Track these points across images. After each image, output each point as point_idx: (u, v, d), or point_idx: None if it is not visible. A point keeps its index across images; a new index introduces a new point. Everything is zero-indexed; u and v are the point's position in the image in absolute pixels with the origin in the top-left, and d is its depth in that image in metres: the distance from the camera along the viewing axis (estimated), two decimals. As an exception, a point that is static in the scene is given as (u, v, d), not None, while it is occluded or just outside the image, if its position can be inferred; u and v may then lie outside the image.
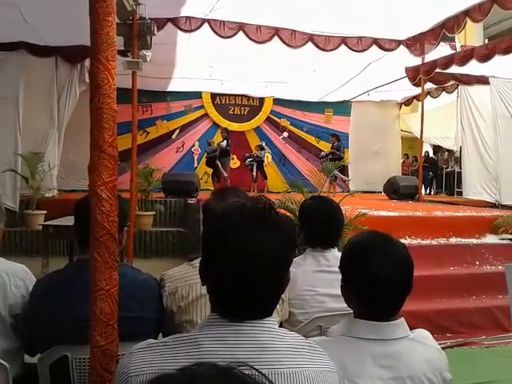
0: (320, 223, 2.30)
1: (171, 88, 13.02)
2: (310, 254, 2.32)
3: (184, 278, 1.89)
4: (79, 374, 1.73)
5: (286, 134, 14.45)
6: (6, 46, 8.41)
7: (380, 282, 1.38)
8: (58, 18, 6.92)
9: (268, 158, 14.58)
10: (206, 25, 8.24)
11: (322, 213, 2.35)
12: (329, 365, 1.09)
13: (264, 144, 14.40)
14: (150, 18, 6.09)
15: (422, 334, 1.48)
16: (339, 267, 1.53)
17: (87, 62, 9.33)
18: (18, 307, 1.93)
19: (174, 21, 7.97)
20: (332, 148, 12.75)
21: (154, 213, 8.71)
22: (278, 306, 1.64)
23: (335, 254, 2.29)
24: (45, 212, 8.05)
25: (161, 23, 7.46)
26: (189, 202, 9.18)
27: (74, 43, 8.47)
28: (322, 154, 12.74)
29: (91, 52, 1.23)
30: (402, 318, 1.43)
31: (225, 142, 12.17)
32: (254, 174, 13.00)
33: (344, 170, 12.02)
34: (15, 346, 1.95)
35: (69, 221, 5.08)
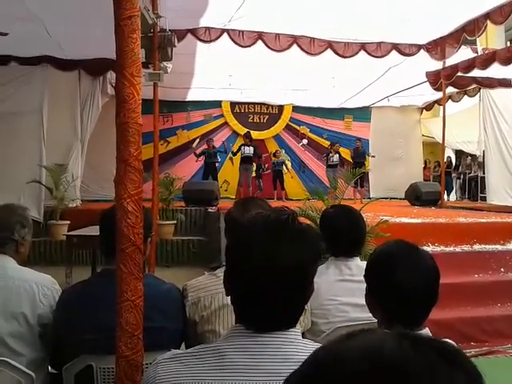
0: (342, 232, 2.27)
1: (191, 97, 13.13)
2: (332, 263, 2.30)
3: (207, 288, 1.90)
4: (104, 384, 1.75)
5: (305, 141, 14.43)
6: (30, 60, 8.62)
7: (405, 292, 1.38)
8: (79, 32, 7.08)
9: (288, 165, 14.58)
10: (225, 35, 8.32)
11: (343, 222, 2.32)
12: None
13: (283, 152, 14.40)
14: (170, 30, 6.18)
15: None
16: (364, 276, 1.53)
17: (109, 74, 9.51)
18: (47, 317, 1.97)
19: (194, 32, 8.07)
20: (354, 152, 12.77)
21: (175, 222, 8.77)
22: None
23: (358, 263, 2.28)
24: (68, 222, 8.17)
25: (181, 34, 7.56)
26: (209, 210, 9.22)
27: (95, 56, 8.66)
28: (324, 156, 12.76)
29: (117, 68, 1.26)
30: (427, 328, 1.42)
31: (251, 148, 12.11)
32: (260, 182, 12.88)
33: (363, 177, 11.97)
34: (41, 356, 1.98)
35: (92, 231, 5.15)
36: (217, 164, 12.49)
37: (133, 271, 1.29)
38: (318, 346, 1.10)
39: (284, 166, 13.30)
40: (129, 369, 1.32)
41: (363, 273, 2.15)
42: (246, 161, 12.24)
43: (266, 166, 13.36)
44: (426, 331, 1.41)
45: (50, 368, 2.04)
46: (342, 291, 2.20)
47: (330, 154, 12.56)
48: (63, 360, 1.79)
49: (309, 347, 1.07)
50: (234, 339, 1.03)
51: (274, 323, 1.03)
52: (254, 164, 12.81)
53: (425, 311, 1.42)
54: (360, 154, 12.81)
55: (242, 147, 12.23)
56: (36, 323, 1.96)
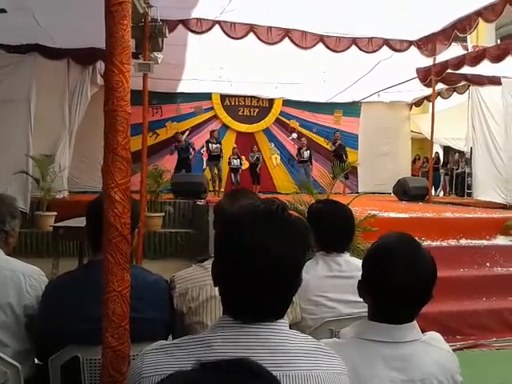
0: (331, 228, 2.22)
1: (181, 89, 13.07)
2: (321, 259, 2.27)
3: (194, 280, 1.90)
4: (90, 375, 1.73)
5: (295, 135, 14.45)
6: (18, 48, 8.51)
7: (398, 289, 1.37)
8: (69, 21, 6.99)
9: (277, 159, 14.59)
10: (217, 26, 8.27)
11: (332, 216, 2.27)
12: (340, 367, 1.09)
13: (273, 145, 14.43)
14: (161, 20, 6.12)
15: (434, 336, 1.48)
16: (362, 264, 1.51)
17: (99, 64, 9.40)
18: (33, 308, 1.95)
19: (185, 23, 8.01)
20: (334, 145, 12.89)
21: (163, 214, 8.75)
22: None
23: (347, 259, 2.27)
24: (55, 213, 8.11)
25: (172, 25, 7.50)
26: (198, 203, 9.20)
27: (84, 45, 8.55)
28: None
29: (106, 55, 1.24)
30: (414, 321, 1.43)
31: (217, 145, 12.14)
32: (233, 178, 12.86)
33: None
34: (27, 347, 1.96)
35: (79, 222, 5.12)
36: (190, 157, 12.37)
37: (119, 261, 1.27)
38: (305, 337, 1.11)
39: (259, 160, 13.37)
40: (115, 360, 1.31)
41: (353, 268, 2.15)
42: (213, 158, 12.22)
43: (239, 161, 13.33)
44: (413, 324, 1.41)
45: (35, 359, 2.02)
46: (331, 287, 2.18)
47: (302, 150, 12.65)
48: (49, 351, 1.77)
49: (297, 338, 1.06)
50: (222, 330, 1.03)
51: (262, 314, 1.03)
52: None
53: (418, 307, 1.42)
54: (338, 146, 12.88)
55: (210, 145, 12.17)
56: (22, 314, 1.94)
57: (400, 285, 1.36)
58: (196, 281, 1.89)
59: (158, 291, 1.89)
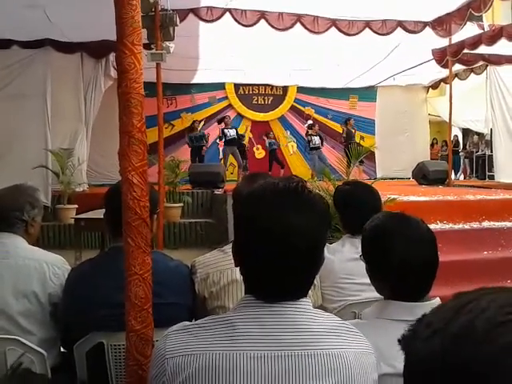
0: (360, 209, 2.18)
1: (195, 80, 13.04)
2: (348, 240, 2.25)
3: (215, 264, 1.90)
4: (115, 361, 1.74)
5: (310, 122, 14.34)
6: (32, 43, 8.55)
7: (408, 263, 1.37)
8: (80, 15, 7.00)
9: (293, 146, 14.50)
10: (228, 14, 8.20)
11: (361, 197, 2.27)
12: (366, 347, 1.08)
13: (289, 133, 14.36)
14: (171, 9, 6.10)
15: None
16: (362, 254, 1.52)
17: (112, 57, 9.43)
18: (57, 296, 1.97)
19: (196, 11, 7.96)
20: (344, 132, 12.73)
21: (181, 204, 8.78)
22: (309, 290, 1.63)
23: None
24: (76, 206, 8.20)
25: (182, 14, 7.46)
26: (215, 192, 9.21)
27: (97, 38, 8.58)
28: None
29: (117, 37, 1.23)
30: (438, 298, 1.41)
31: (233, 130, 12.11)
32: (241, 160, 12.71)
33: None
34: (52, 335, 1.99)
35: (99, 214, 5.15)
36: (204, 148, 12.33)
37: (140, 245, 1.27)
38: (329, 316, 1.09)
39: (276, 146, 13.36)
40: (139, 343, 1.31)
41: None
42: (230, 143, 12.15)
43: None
44: (436, 301, 1.39)
45: (61, 348, 2.04)
46: (357, 270, 2.12)
47: (312, 137, 12.52)
48: (74, 339, 1.79)
49: (322, 317, 1.05)
50: (245, 309, 1.02)
51: (284, 293, 1.01)
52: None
53: (431, 277, 1.41)
54: (349, 133, 12.66)
55: (226, 131, 12.13)
56: (47, 302, 1.96)
57: (407, 256, 1.37)
58: (217, 265, 1.89)
59: (179, 276, 1.90)
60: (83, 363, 1.76)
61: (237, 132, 12.38)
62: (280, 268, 0.99)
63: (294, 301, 1.02)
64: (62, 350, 2.05)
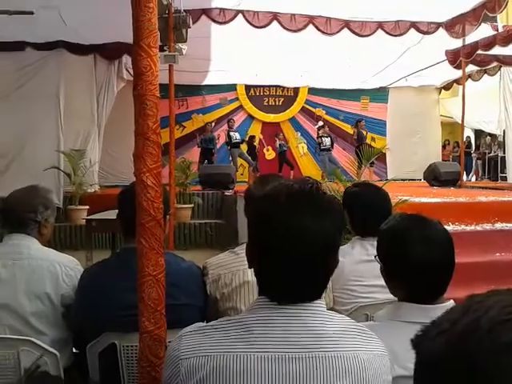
0: (369, 211, 2.17)
1: (206, 81, 13.07)
2: (357, 243, 2.24)
3: (227, 266, 1.90)
4: (128, 362, 1.74)
5: (321, 124, 14.30)
6: (45, 45, 8.64)
7: (426, 264, 1.36)
8: (94, 17, 7.05)
9: (304, 148, 14.47)
10: (240, 16, 8.22)
11: (371, 199, 2.25)
12: (381, 349, 1.07)
13: (299, 134, 14.33)
14: (184, 11, 6.12)
15: None
16: (377, 255, 1.51)
17: (124, 59, 9.49)
18: (70, 297, 1.98)
19: (208, 13, 7.99)
20: (355, 134, 12.64)
21: (192, 205, 8.80)
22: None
23: None
24: (87, 207, 8.24)
25: (195, 16, 7.49)
26: (226, 193, 9.23)
27: (110, 40, 8.64)
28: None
29: (133, 39, 1.23)
30: (452, 301, 1.40)
31: (236, 133, 12.13)
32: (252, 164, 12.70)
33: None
34: (65, 336, 2.00)
35: (111, 215, 5.18)
36: (214, 150, 12.36)
37: (153, 246, 1.27)
38: (343, 317, 1.09)
39: (285, 148, 13.31)
40: (152, 344, 1.31)
41: None
42: (236, 145, 12.23)
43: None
44: (450, 303, 1.38)
45: (74, 349, 2.05)
46: (367, 272, 2.12)
47: (322, 139, 12.46)
48: (86, 339, 1.79)
49: (335, 318, 1.04)
50: (259, 311, 1.01)
51: (298, 295, 1.01)
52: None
53: (446, 279, 1.41)
54: (360, 135, 12.51)
55: (232, 134, 12.14)
56: (59, 303, 1.97)
57: (422, 258, 1.36)
58: (228, 267, 1.89)
59: (192, 277, 1.90)
60: (96, 364, 1.77)
61: (241, 135, 12.42)
62: (293, 270, 0.99)
63: (309, 302, 1.02)
64: (74, 350, 2.06)
